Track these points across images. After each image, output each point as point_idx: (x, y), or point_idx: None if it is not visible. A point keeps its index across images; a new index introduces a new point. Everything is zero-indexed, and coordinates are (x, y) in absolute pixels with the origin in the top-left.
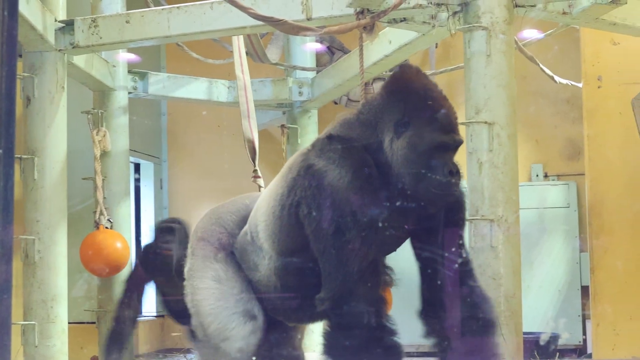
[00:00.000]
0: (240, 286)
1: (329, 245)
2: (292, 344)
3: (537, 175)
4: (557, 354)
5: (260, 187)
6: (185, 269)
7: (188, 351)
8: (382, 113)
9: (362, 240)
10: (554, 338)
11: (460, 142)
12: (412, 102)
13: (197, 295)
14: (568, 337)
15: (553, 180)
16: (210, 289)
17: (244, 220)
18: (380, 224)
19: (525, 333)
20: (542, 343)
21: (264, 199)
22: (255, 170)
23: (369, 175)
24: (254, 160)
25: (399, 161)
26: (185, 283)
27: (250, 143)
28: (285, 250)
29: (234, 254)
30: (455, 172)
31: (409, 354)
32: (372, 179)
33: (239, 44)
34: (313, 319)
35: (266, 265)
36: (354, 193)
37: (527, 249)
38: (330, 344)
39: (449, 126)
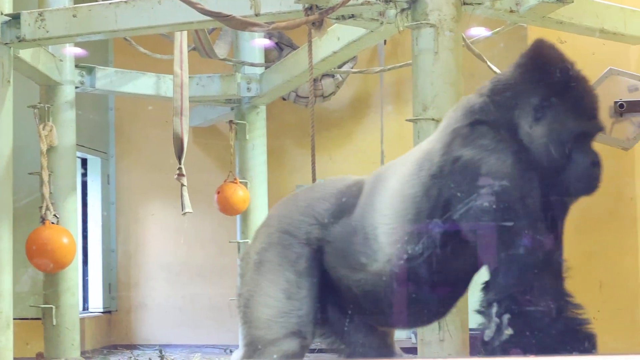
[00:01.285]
0: (308, 305)
1: (505, 240)
2: (385, 343)
3: None
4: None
5: (183, 185)
6: (256, 254)
7: (135, 347)
8: (518, 95)
9: (537, 225)
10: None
11: (602, 129)
12: (552, 84)
13: (259, 298)
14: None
15: None
16: (275, 300)
17: (340, 210)
18: (544, 210)
19: (471, 329)
20: (486, 339)
21: (383, 200)
22: (179, 168)
23: (526, 159)
24: (180, 159)
25: (539, 149)
26: (251, 267)
27: (179, 141)
28: (414, 255)
29: (322, 251)
30: (597, 163)
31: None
32: (530, 162)
33: (181, 40)
34: (423, 322)
35: (380, 267)
36: (520, 177)
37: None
38: (518, 344)
39: (592, 111)
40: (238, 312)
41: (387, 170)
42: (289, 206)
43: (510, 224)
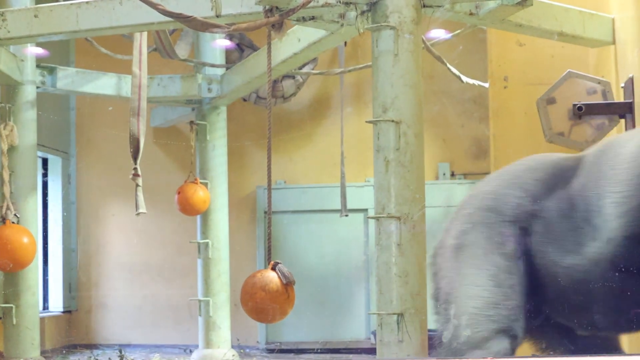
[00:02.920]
0: (519, 295)
1: None
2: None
3: (444, 174)
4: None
5: (138, 185)
6: (454, 238)
7: (94, 347)
8: None
9: None
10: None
11: None
12: None
13: (462, 288)
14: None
15: (459, 179)
16: (482, 289)
17: (554, 181)
18: None
19: (430, 330)
20: (444, 340)
21: (618, 165)
22: (135, 169)
23: None
24: (135, 159)
25: None
26: (448, 256)
27: (135, 141)
28: None
29: (529, 231)
30: None
31: (312, 351)
32: None
33: (140, 41)
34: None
35: (598, 249)
36: None
37: (433, 247)
38: None
39: None
40: (437, 311)
41: (619, 138)
42: (491, 182)
43: None
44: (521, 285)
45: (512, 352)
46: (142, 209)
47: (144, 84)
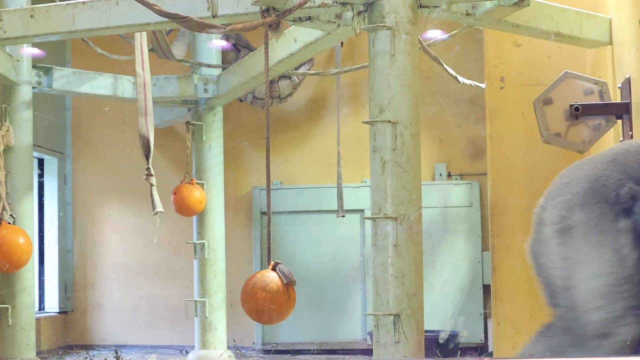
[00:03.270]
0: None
1: None
2: None
3: (440, 175)
4: (459, 352)
5: (152, 185)
6: (555, 224)
7: (90, 347)
8: None
9: None
10: (453, 336)
11: None
12: None
13: (583, 266)
14: (469, 336)
15: (456, 179)
16: (609, 264)
17: None
18: None
19: (426, 331)
20: (441, 341)
21: None
22: (148, 168)
23: None
24: (147, 158)
25: None
26: (553, 243)
27: (145, 141)
28: None
29: (631, 210)
30: None
31: (309, 352)
32: None
33: (141, 41)
34: None
35: None
36: None
37: (430, 247)
38: None
39: None
40: (554, 302)
41: None
42: (584, 168)
43: None
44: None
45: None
46: (160, 207)
47: (148, 83)
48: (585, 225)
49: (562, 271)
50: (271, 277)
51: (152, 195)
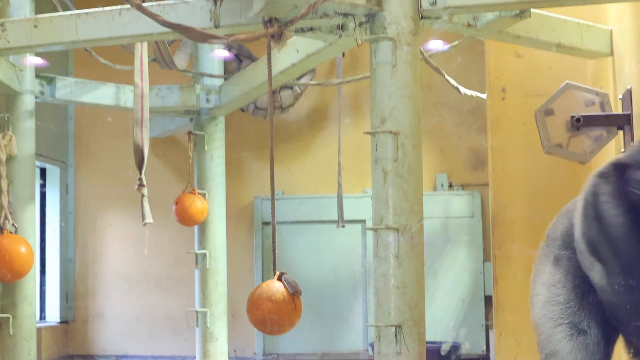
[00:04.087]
0: (568, 293)
1: None
2: None
3: (442, 185)
4: None
5: (143, 195)
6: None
7: (91, 357)
8: None
9: None
10: (455, 347)
11: None
12: None
13: (531, 299)
14: (470, 347)
15: (457, 190)
16: (538, 295)
17: None
18: None
19: (428, 342)
20: (443, 353)
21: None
22: (140, 179)
23: None
24: (140, 169)
25: None
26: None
27: (139, 151)
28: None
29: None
30: None
31: None
32: None
33: (141, 51)
34: None
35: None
36: None
37: (431, 258)
38: None
39: None
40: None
41: None
42: (558, 215)
43: None
44: (561, 296)
45: (587, 345)
46: (149, 219)
47: (146, 93)
48: (537, 268)
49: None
50: (277, 287)
51: (142, 206)
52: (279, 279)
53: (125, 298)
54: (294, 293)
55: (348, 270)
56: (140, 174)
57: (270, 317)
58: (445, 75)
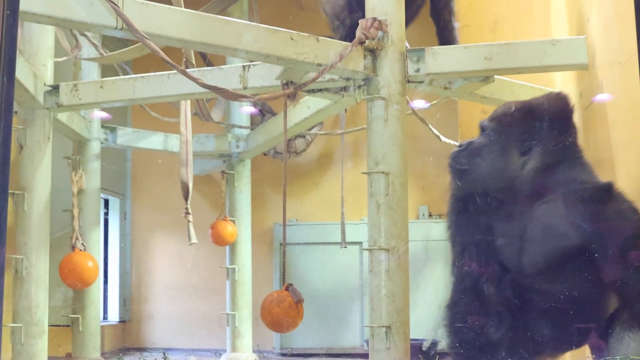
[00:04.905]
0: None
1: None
2: None
3: (423, 215)
4: (437, 356)
5: (189, 221)
6: None
7: (144, 350)
8: None
9: None
10: (434, 344)
11: None
12: None
13: None
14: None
15: (436, 218)
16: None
17: None
18: None
19: (412, 340)
20: (424, 348)
21: None
22: (186, 208)
23: None
24: (186, 200)
25: None
26: None
27: (185, 186)
28: None
29: None
30: None
31: (318, 355)
32: None
33: (185, 107)
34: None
35: None
36: None
37: (414, 273)
38: None
39: None
40: None
41: None
42: None
43: None
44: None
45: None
46: (194, 239)
47: (189, 140)
48: None
49: None
50: (284, 296)
51: (188, 230)
52: (287, 289)
53: (171, 303)
54: (298, 301)
55: (348, 282)
56: (187, 204)
57: (278, 319)
58: (430, 125)
